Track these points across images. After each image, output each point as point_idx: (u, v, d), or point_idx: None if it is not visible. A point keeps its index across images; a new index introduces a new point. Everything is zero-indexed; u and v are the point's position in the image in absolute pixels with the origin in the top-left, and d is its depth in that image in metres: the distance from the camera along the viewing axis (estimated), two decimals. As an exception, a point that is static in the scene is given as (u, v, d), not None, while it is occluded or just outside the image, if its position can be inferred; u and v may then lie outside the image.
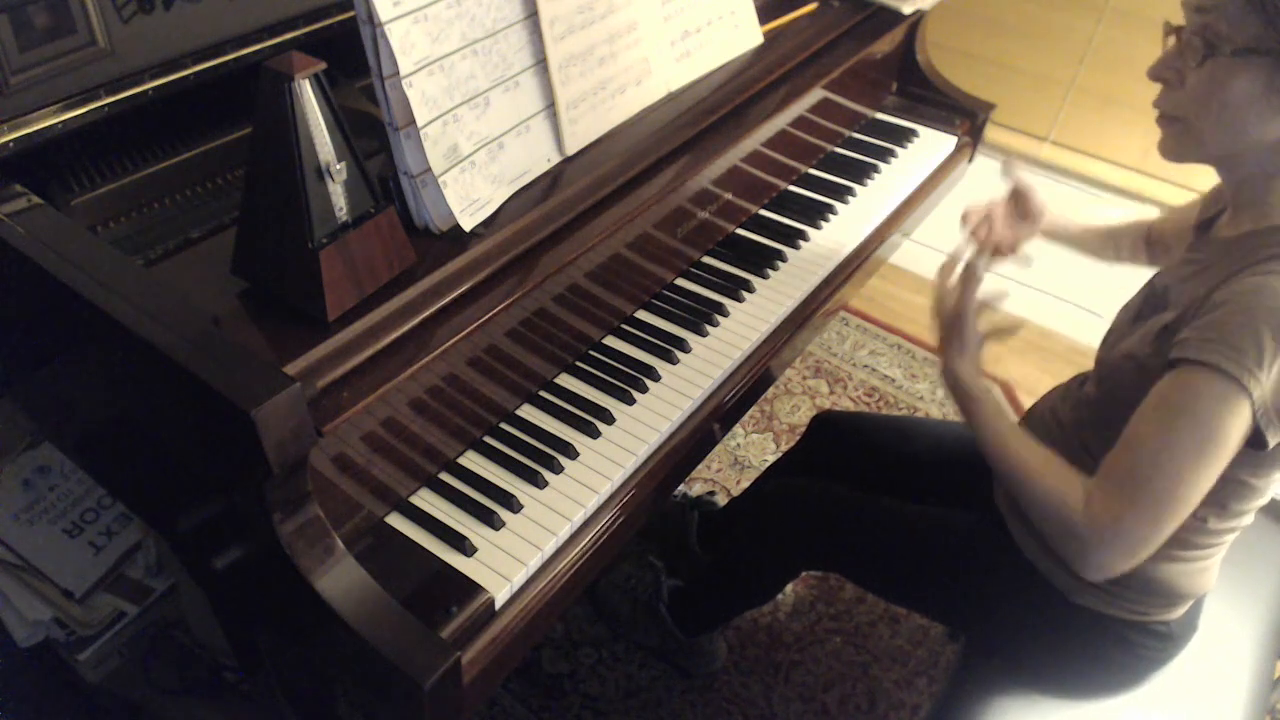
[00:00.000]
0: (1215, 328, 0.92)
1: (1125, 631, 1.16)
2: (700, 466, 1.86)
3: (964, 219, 1.41)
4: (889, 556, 1.34)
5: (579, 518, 1.06)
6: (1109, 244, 1.40)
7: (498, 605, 0.98)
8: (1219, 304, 0.94)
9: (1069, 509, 0.99)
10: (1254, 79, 0.92)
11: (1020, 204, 1.40)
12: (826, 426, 1.62)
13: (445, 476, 1.09)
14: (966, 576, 1.27)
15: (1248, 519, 1.11)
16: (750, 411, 2.14)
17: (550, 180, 1.19)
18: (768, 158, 1.50)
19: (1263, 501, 1.09)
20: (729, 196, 1.44)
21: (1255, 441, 0.94)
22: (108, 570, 1.62)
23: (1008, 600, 1.23)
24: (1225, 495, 1.04)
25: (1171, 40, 1.00)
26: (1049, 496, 1.01)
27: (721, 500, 1.94)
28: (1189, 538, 1.08)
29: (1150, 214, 1.38)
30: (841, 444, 1.58)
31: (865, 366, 2.42)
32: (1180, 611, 1.17)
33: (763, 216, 1.53)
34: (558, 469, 1.10)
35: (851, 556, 1.39)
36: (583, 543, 1.06)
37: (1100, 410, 1.13)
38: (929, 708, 1.67)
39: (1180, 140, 1.01)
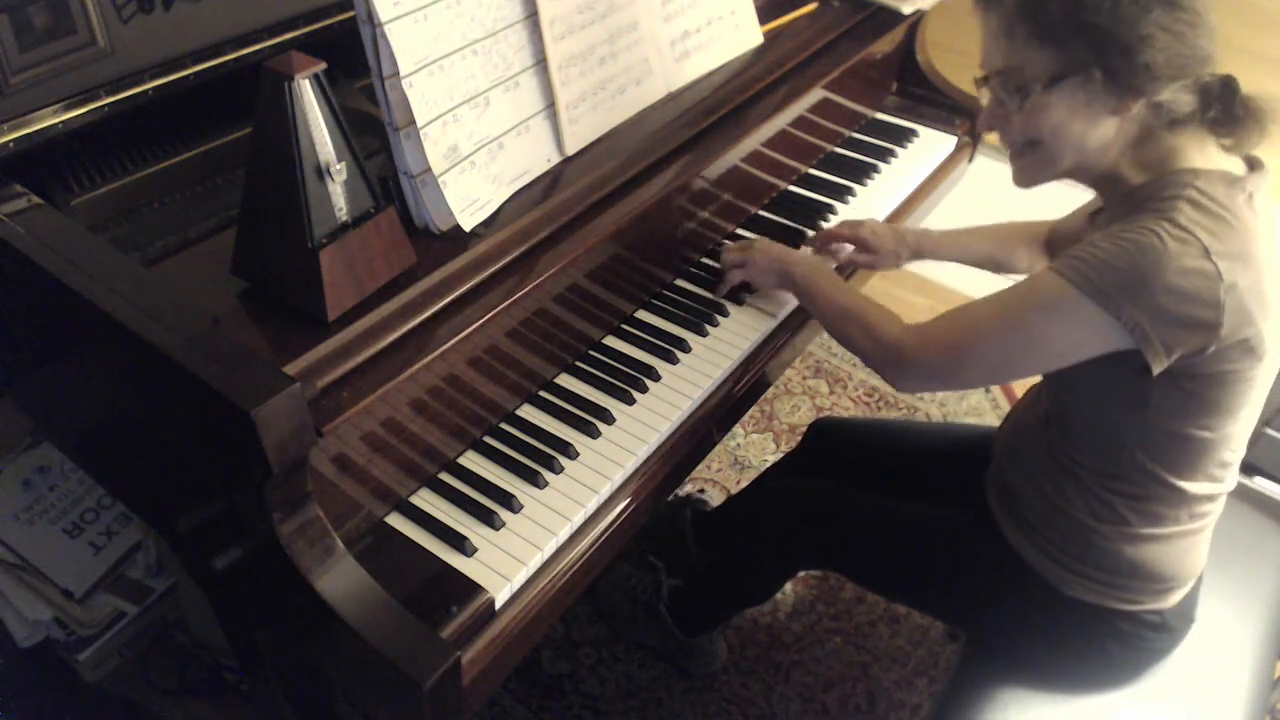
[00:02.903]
0: (1082, 250, 1.00)
1: (1120, 622, 1.17)
2: (700, 466, 1.86)
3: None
4: (886, 554, 1.34)
5: (579, 518, 1.06)
6: (1003, 248, 1.42)
7: (498, 605, 0.98)
8: (1094, 240, 1.01)
9: (883, 331, 1.15)
10: (1072, 98, 1.01)
11: (863, 249, 1.44)
12: (824, 433, 1.63)
13: (445, 476, 1.09)
14: (962, 574, 1.28)
15: (1215, 486, 1.12)
16: (750, 411, 2.14)
17: (550, 180, 1.19)
18: (768, 158, 1.50)
19: (1226, 471, 1.11)
20: (729, 196, 1.44)
21: (1139, 364, 0.99)
22: (108, 570, 1.62)
23: (1003, 596, 1.24)
24: (1171, 450, 1.07)
25: (985, 92, 1.09)
26: (872, 324, 1.16)
27: (714, 497, 1.94)
28: (1157, 509, 1.11)
29: (1036, 223, 1.41)
30: (839, 449, 1.58)
31: (865, 366, 2.42)
32: (1173, 600, 1.18)
33: (763, 216, 1.53)
34: (558, 469, 1.10)
35: (849, 555, 1.40)
36: (583, 543, 1.06)
37: (1054, 403, 1.17)
38: (929, 707, 1.67)
39: (1037, 166, 1.09)
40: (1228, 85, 1.02)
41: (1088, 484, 1.13)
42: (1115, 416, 1.07)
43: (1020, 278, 1.09)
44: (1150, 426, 1.05)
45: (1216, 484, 1.12)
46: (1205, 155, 1.02)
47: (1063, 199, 1.32)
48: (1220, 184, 0.98)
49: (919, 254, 1.45)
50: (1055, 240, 1.36)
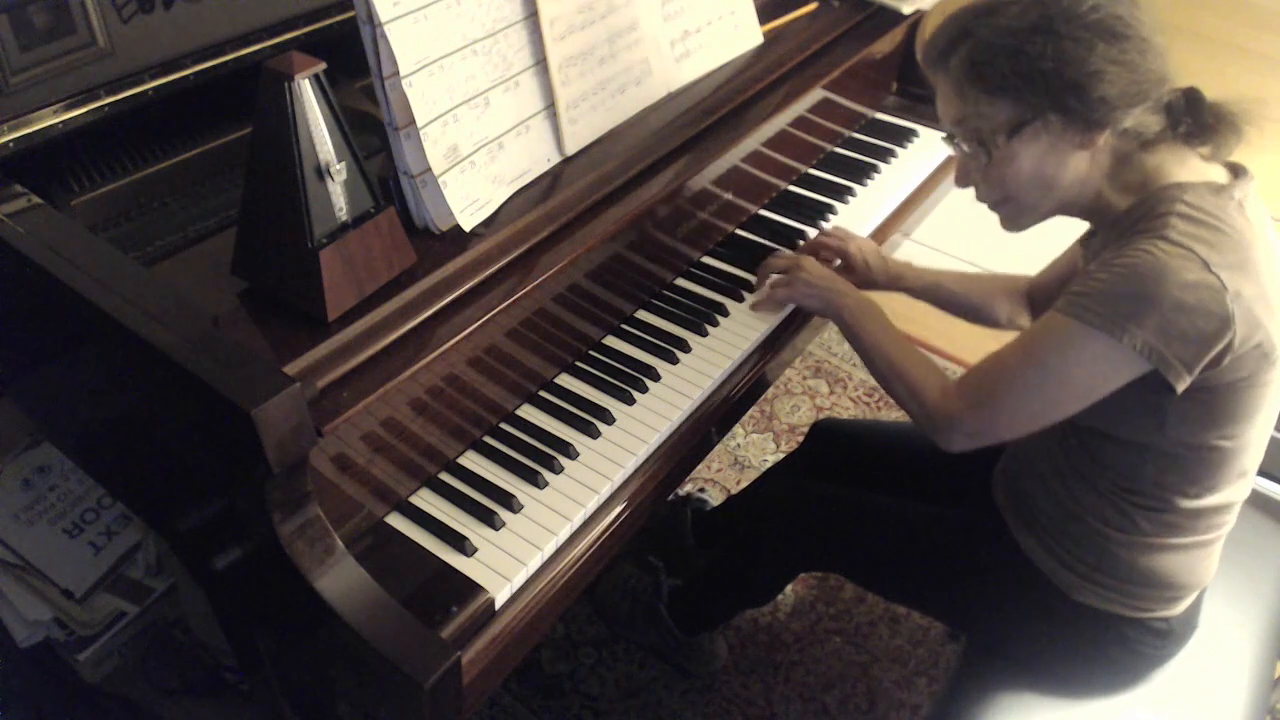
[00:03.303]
0: (1082, 284, 1.00)
1: (1125, 629, 1.17)
2: (700, 466, 1.86)
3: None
4: (887, 555, 1.34)
5: (579, 518, 1.06)
6: (982, 297, 1.40)
7: (498, 605, 0.98)
8: (1090, 272, 1.01)
9: (926, 395, 1.13)
10: (1035, 144, 1.02)
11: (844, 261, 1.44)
12: (825, 434, 1.63)
13: (445, 476, 1.09)
14: (966, 574, 1.27)
15: (1232, 495, 1.11)
16: (750, 411, 2.14)
17: (550, 180, 1.19)
18: (768, 158, 1.50)
19: (1244, 480, 1.10)
20: (729, 196, 1.44)
21: (1161, 383, 0.98)
22: (108, 570, 1.62)
23: (1008, 598, 1.23)
24: (1193, 463, 1.06)
25: (952, 148, 1.10)
26: (916, 386, 1.15)
27: (714, 497, 1.94)
28: (1175, 519, 1.10)
29: (1016, 276, 1.40)
30: (840, 450, 1.58)
31: (865, 367, 2.41)
32: (1180, 608, 1.17)
33: (763, 216, 1.53)
34: (558, 469, 1.10)
35: (851, 555, 1.39)
36: (583, 543, 1.06)
37: (1074, 418, 1.14)
38: (929, 707, 1.67)
39: (1018, 215, 1.10)
40: (1191, 98, 1.02)
41: (1106, 494, 1.11)
42: (1137, 435, 1.06)
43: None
44: (1171, 442, 1.04)
45: (1236, 493, 1.11)
46: (1187, 168, 1.02)
47: (1059, 221, 1.32)
48: (1208, 194, 0.98)
49: (895, 284, 1.43)
50: (1035, 292, 1.37)
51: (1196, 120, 1.02)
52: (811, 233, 1.50)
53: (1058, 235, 1.26)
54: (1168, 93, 1.01)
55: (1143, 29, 0.98)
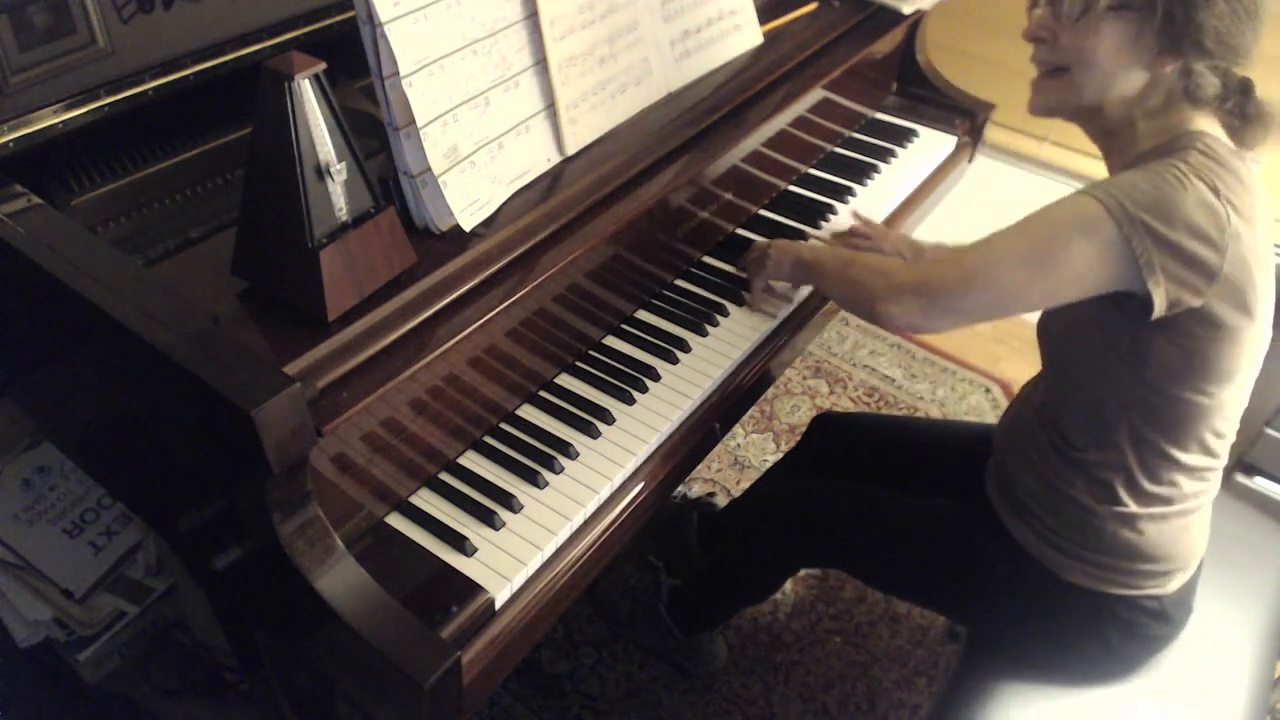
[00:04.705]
0: (1113, 181, 1.03)
1: (1119, 609, 1.18)
2: (700, 466, 1.86)
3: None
4: (887, 549, 1.35)
5: (579, 518, 1.06)
6: None
7: (498, 605, 0.98)
8: (1119, 175, 1.05)
9: (893, 269, 1.15)
10: (1123, 32, 1.04)
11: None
12: (826, 427, 1.63)
13: (445, 476, 1.09)
14: (963, 566, 1.28)
15: (1207, 459, 1.13)
16: (750, 411, 2.14)
17: (550, 180, 1.19)
18: (768, 158, 1.50)
19: (1221, 442, 1.13)
20: (729, 196, 1.44)
21: (1139, 311, 1.01)
22: (108, 570, 1.62)
23: (1003, 587, 1.24)
24: (1168, 414, 1.08)
25: (1042, 3, 1.11)
26: (882, 271, 1.16)
27: (721, 501, 1.94)
28: (1154, 487, 1.12)
29: None
30: (841, 444, 1.59)
31: (865, 366, 2.42)
32: (1172, 587, 1.19)
33: (763, 216, 1.53)
34: (558, 469, 1.10)
35: (850, 550, 1.40)
36: (583, 543, 1.06)
37: (1051, 377, 1.20)
38: (929, 707, 1.67)
39: (1058, 93, 1.12)
40: (1245, 85, 1.06)
41: (1084, 465, 1.14)
42: (1114, 379, 1.09)
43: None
44: (1147, 390, 1.07)
45: (1210, 457, 1.14)
46: (1213, 128, 1.07)
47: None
48: (1224, 148, 1.04)
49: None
50: None
51: (1241, 104, 1.06)
52: (812, 233, 1.50)
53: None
54: (1235, 69, 1.05)
55: (1259, 5, 1.02)
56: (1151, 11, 1.02)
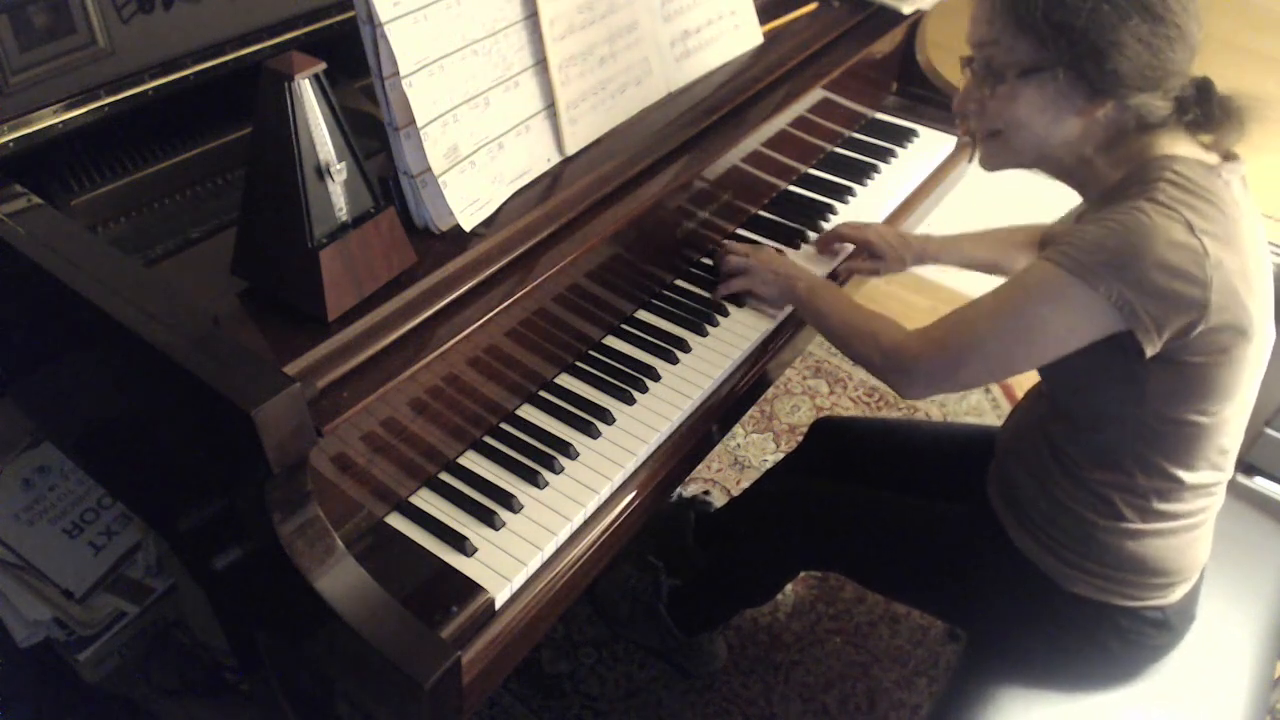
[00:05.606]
0: (1069, 237, 1.02)
1: (1121, 619, 1.17)
2: (700, 466, 1.86)
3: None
4: (888, 553, 1.34)
5: (579, 518, 1.06)
6: (1004, 253, 1.42)
7: (498, 605, 0.98)
8: (1078, 227, 1.03)
9: (887, 340, 1.15)
10: (1041, 92, 1.03)
11: (869, 254, 1.46)
12: (826, 431, 1.63)
13: (445, 476, 1.09)
14: (963, 570, 1.28)
15: (1212, 475, 1.12)
16: (750, 411, 2.14)
17: (550, 180, 1.19)
18: (768, 158, 1.50)
19: (1226, 458, 1.12)
20: (729, 196, 1.44)
21: (1133, 347, 0.99)
22: (108, 570, 1.62)
23: (1004, 593, 1.24)
24: (1172, 439, 1.07)
25: (967, 73, 1.11)
26: (877, 334, 1.17)
27: (718, 500, 1.94)
28: (1158, 505, 1.11)
29: (1034, 227, 1.42)
30: (841, 448, 1.58)
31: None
32: (1175, 597, 1.18)
33: (763, 216, 1.53)
34: (558, 469, 1.10)
35: (851, 553, 1.40)
36: (583, 542, 1.06)
37: (1054, 400, 1.18)
38: (929, 707, 1.67)
39: (1000, 152, 1.12)
40: (1202, 88, 1.03)
41: (1088, 481, 1.13)
42: (1114, 409, 1.08)
43: None
44: (1149, 415, 1.06)
45: (1217, 472, 1.13)
46: (1181, 148, 1.03)
47: (1061, 197, 1.32)
48: (1197, 168, 1.00)
49: (923, 259, 1.46)
50: (1049, 242, 1.37)
51: (1204, 111, 1.03)
52: (811, 233, 1.50)
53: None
54: (1181, 86, 1.02)
55: (1183, 19, 0.98)
56: (1058, 71, 1.01)
